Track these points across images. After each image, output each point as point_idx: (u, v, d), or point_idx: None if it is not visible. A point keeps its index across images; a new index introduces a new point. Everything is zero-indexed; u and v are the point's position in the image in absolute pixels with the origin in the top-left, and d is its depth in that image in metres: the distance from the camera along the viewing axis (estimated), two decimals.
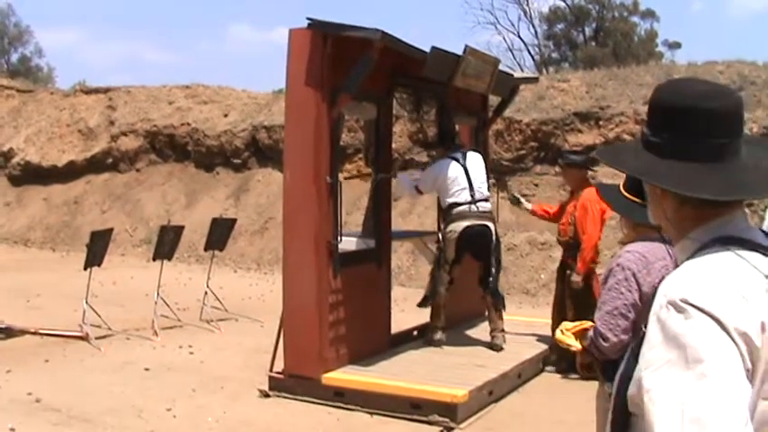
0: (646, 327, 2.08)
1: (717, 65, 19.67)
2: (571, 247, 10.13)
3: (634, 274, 4.44)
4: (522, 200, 11.36)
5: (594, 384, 4.74)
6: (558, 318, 9.81)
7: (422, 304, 11.02)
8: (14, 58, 58.47)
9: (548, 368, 10.35)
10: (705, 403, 1.84)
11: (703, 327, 1.91)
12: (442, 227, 10.70)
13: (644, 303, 4.33)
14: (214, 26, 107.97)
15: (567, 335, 4.72)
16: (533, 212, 11.16)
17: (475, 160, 10.53)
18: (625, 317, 4.39)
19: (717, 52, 66.04)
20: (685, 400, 1.85)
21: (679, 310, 1.95)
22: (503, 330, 10.52)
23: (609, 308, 4.44)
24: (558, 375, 10.18)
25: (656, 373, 1.93)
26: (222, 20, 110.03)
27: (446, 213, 10.42)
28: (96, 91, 27.10)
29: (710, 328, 1.91)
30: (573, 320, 8.74)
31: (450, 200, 10.26)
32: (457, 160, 10.34)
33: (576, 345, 4.69)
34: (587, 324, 4.69)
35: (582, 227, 9.78)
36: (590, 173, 10.32)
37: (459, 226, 10.23)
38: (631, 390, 2.07)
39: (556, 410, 8.82)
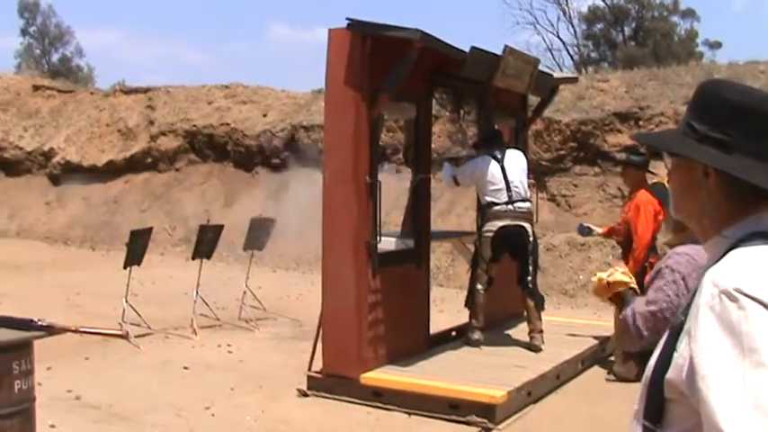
0: (685, 317, 2.09)
1: (759, 64, 19.54)
2: (625, 247, 10.14)
3: (684, 278, 4.40)
4: (592, 226, 11.33)
5: (634, 387, 4.71)
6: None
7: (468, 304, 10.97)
8: (55, 58, 58.92)
9: (608, 376, 10.23)
10: (766, 391, 1.85)
11: (757, 316, 1.92)
12: (478, 225, 10.70)
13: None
14: (253, 26, 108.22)
15: (620, 276, 4.73)
16: (606, 235, 11.19)
17: (515, 158, 10.50)
18: (668, 321, 4.35)
19: (759, 51, 65.50)
20: (745, 387, 1.86)
21: (732, 299, 1.96)
22: (541, 331, 10.48)
23: (654, 308, 4.39)
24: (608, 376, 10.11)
25: (710, 358, 1.94)
26: (261, 20, 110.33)
27: (483, 212, 10.42)
28: (136, 91, 27.25)
29: (764, 316, 1.92)
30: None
31: (488, 198, 10.25)
32: (496, 158, 10.32)
33: (632, 282, 4.71)
34: (628, 282, 4.67)
35: (634, 227, 9.78)
36: (648, 174, 10.29)
37: (495, 225, 10.22)
38: (671, 374, 2.08)
39: (595, 412, 8.77)
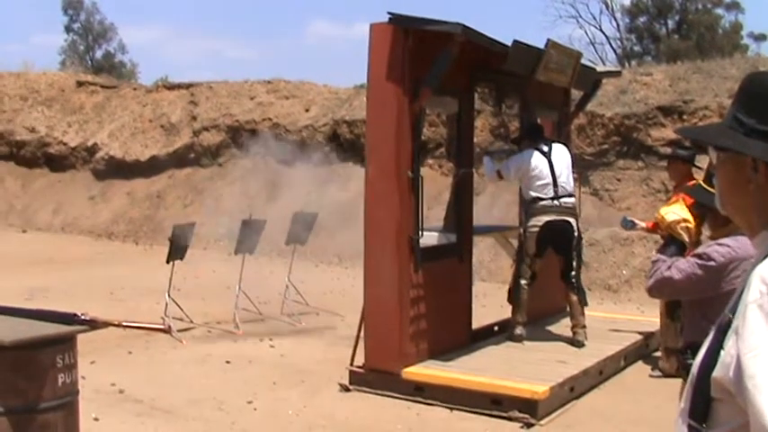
0: (733, 315, 2.06)
1: None
2: None
3: (717, 268, 4.44)
4: (636, 221, 11.24)
5: (678, 383, 4.67)
6: (666, 311, 9.72)
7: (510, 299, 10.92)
8: (99, 54, 59.30)
9: (653, 372, 10.18)
10: None
11: None
12: (523, 220, 10.65)
13: (722, 298, 4.30)
14: (295, 22, 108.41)
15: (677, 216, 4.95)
16: (649, 230, 11.10)
17: (560, 153, 10.47)
18: (679, 287, 4.71)
19: None
20: None
21: None
22: (584, 326, 10.43)
23: (677, 277, 4.71)
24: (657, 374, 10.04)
25: (759, 358, 1.91)
26: (303, 15, 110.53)
27: (528, 207, 10.37)
28: (179, 86, 27.32)
29: None
30: (670, 313, 8.81)
31: (533, 193, 10.21)
32: (542, 152, 10.28)
33: (689, 222, 4.91)
34: (683, 223, 4.87)
35: None
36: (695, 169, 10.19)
37: (541, 220, 10.18)
38: (718, 372, 2.05)
39: (637, 408, 8.73)
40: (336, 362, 10.07)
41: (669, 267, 4.76)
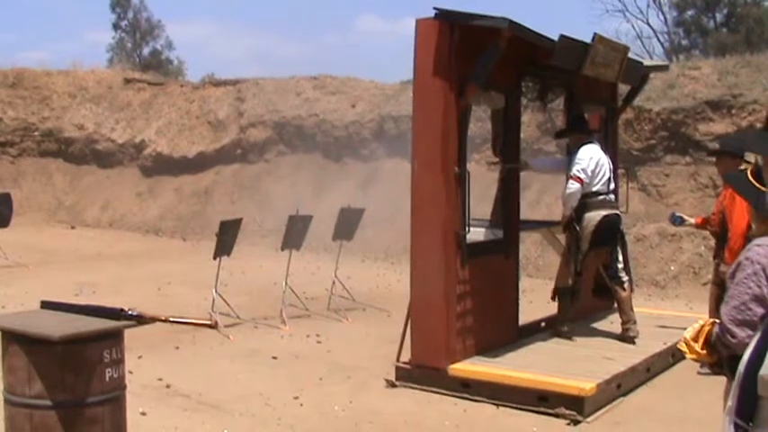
0: None
1: None
2: (720, 237, 9.97)
3: (764, 269, 4.29)
4: (685, 216, 11.16)
5: (726, 380, 4.60)
6: (716, 307, 9.64)
7: (555, 297, 10.85)
8: (146, 51, 59.61)
9: (701, 370, 10.06)
10: None
11: None
12: (577, 215, 10.43)
13: None
14: (342, 17, 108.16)
15: (690, 344, 4.60)
16: (698, 226, 11.02)
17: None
18: (753, 312, 4.23)
19: None
20: None
21: None
22: (635, 321, 10.36)
23: (736, 303, 4.27)
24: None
25: None
26: (350, 11, 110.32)
27: (585, 201, 10.22)
28: (225, 83, 27.45)
29: None
30: (715, 310, 8.63)
31: (593, 188, 10.14)
32: (600, 147, 10.34)
33: (690, 353, 4.58)
34: (707, 324, 4.55)
35: (729, 216, 9.59)
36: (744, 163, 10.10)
37: (599, 215, 10.13)
38: (765, 371, 2.03)
39: (685, 406, 8.67)
40: (383, 358, 10.08)
41: (720, 322, 4.48)
